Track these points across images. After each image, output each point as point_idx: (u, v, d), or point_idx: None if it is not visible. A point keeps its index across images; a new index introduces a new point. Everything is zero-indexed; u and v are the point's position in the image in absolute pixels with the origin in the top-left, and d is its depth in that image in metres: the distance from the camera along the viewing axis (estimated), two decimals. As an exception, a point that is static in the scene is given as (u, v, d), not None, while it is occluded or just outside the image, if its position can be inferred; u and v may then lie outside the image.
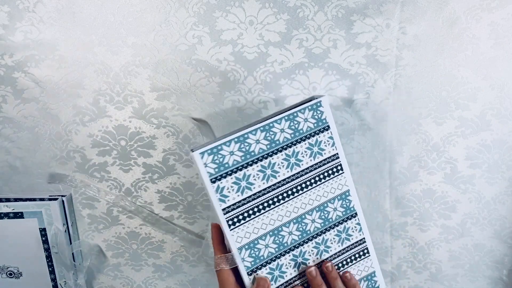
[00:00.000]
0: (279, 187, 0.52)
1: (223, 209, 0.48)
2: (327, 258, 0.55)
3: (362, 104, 0.64)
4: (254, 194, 0.50)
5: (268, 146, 0.50)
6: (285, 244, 0.53)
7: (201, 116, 0.65)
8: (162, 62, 0.62)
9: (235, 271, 0.51)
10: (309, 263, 0.54)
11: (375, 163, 0.67)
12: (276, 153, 0.51)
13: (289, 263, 0.53)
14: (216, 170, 0.47)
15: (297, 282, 0.54)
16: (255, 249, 0.51)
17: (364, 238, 0.57)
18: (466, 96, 0.63)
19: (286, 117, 0.51)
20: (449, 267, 0.73)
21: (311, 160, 0.53)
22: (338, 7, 0.59)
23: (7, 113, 0.65)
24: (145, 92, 0.64)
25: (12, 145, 0.67)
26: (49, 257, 0.69)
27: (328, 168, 0.54)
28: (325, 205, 0.54)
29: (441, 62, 0.61)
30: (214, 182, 0.48)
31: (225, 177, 0.48)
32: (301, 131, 0.52)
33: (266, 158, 0.50)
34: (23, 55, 0.62)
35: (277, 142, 0.51)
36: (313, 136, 0.53)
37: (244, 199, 0.50)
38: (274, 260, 0.52)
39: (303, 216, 0.53)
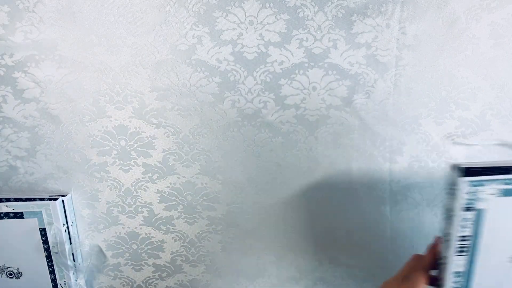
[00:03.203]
0: None
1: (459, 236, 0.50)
2: None
3: (362, 104, 0.64)
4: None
5: None
6: None
7: (200, 116, 0.65)
8: (162, 62, 0.62)
9: None
10: None
11: (375, 163, 0.67)
12: None
13: None
14: (468, 201, 0.49)
15: None
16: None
17: None
18: (466, 96, 0.63)
19: None
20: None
21: None
22: (338, 7, 0.59)
23: (7, 113, 0.65)
24: (145, 92, 0.64)
25: (12, 145, 0.67)
26: (49, 257, 0.69)
27: None
28: None
29: (441, 62, 0.61)
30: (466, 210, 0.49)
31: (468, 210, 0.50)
32: None
33: None
34: (23, 55, 0.62)
35: None
36: None
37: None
38: None
39: None
